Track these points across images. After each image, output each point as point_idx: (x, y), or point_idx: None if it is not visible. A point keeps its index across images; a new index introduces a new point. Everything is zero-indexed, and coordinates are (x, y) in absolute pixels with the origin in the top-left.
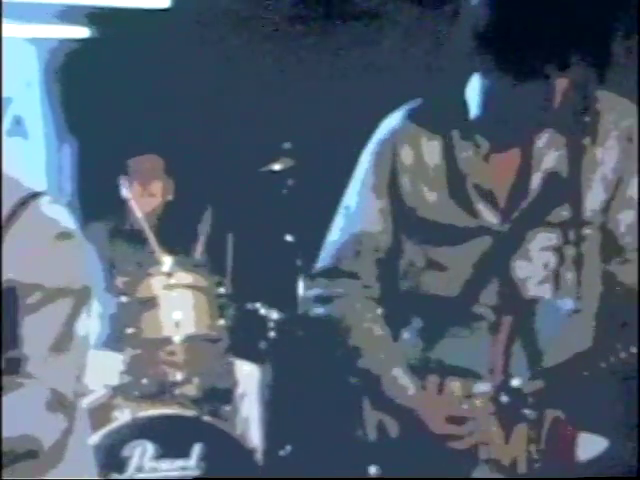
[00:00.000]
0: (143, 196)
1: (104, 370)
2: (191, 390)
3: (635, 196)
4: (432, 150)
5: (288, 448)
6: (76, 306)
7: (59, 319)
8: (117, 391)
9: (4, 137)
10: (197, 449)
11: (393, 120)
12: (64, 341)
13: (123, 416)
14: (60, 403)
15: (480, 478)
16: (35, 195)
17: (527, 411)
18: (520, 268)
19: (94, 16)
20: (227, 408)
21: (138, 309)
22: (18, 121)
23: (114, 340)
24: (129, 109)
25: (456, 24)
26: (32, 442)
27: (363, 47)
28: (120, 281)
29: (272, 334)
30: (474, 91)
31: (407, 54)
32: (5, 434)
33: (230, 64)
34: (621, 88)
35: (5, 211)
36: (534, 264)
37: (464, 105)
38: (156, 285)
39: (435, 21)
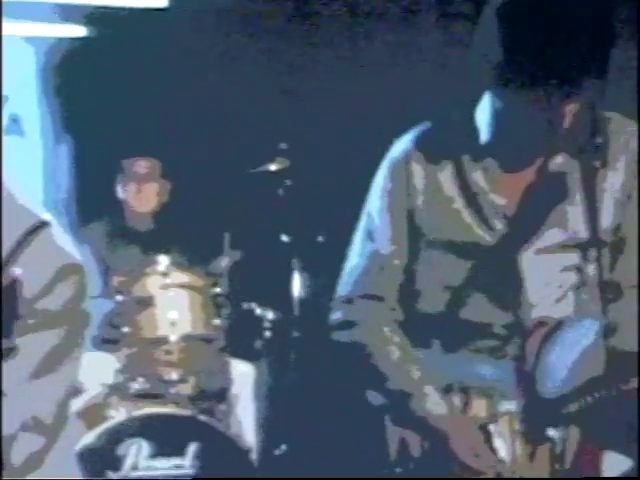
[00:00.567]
0: (139, 197)
1: (100, 369)
2: (186, 389)
3: None
4: (444, 171)
5: (283, 447)
6: (71, 333)
7: (50, 344)
8: (113, 390)
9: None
10: (192, 448)
11: (405, 142)
12: (51, 366)
13: (119, 415)
14: (38, 426)
15: (483, 478)
16: (45, 223)
17: (552, 430)
18: (541, 288)
19: (92, 15)
20: (222, 407)
21: (134, 308)
22: (15, 120)
23: (110, 339)
24: (126, 108)
25: (467, 47)
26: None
27: (361, 51)
28: (116, 280)
29: (267, 334)
30: (484, 114)
31: (413, 69)
32: None
33: (227, 64)
34: (620, 104)
35: (14, 238)
36: (554, 284)
37: (474, 129)
38: (152, 284)
39: (445, 43)
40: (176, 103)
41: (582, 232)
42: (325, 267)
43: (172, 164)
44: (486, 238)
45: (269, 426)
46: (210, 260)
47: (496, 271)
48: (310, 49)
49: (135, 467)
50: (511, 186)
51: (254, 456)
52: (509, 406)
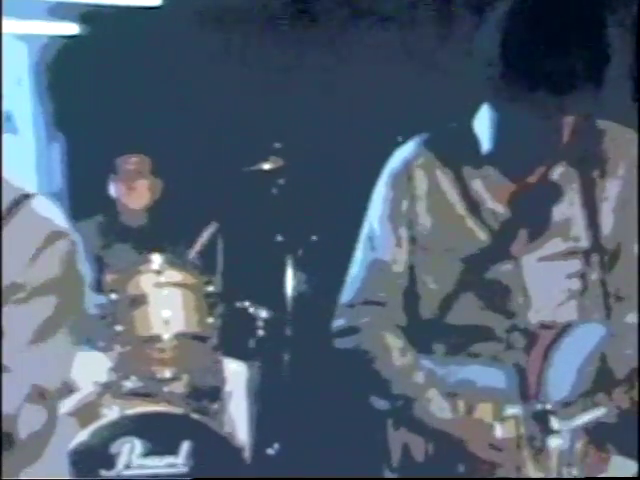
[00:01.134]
0: (131, 194)
1: (93, 367)
2: (180, 388)
3: None
4: (445, 179)
5: (276, 446)
6: (66, 302)
7: (43, 314)
8: (106, 388)
9: None
10: (185, 446)
11: (405, 151)
12: (48, 336)
13: (112, 413)
14: (41, 396)
15: (484, 478)
16: (28, 195)
17: (559, 435)
18: (544, 293)
19: (85, 13)
20: (215, 406)
21: (127, 306)
22: (8, 117)
23: (103, 337)
24: (119, 106)
25: (467, 57)
26: (7, 422)
27: (357, 52)
28: (110, 278)
29: (261, 332)
30: (483, 125)
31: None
32: None
33: (220, 63)
34: (618, 113)
35: None
36: (557, 290)
37: (474, 138)
38: (146, 283)
39: (444, 52)
40: (170, 101)
41: (583, 240)
42: (318, 266)
43: (166, 163)
44: (488, 244)
45: (262, 425)
46: (204, 258)
47: (498, 277)
48: (306, 49)
49: (128, 465)
50: (511, 195)
51: (247, 455)
52: (514, 410)
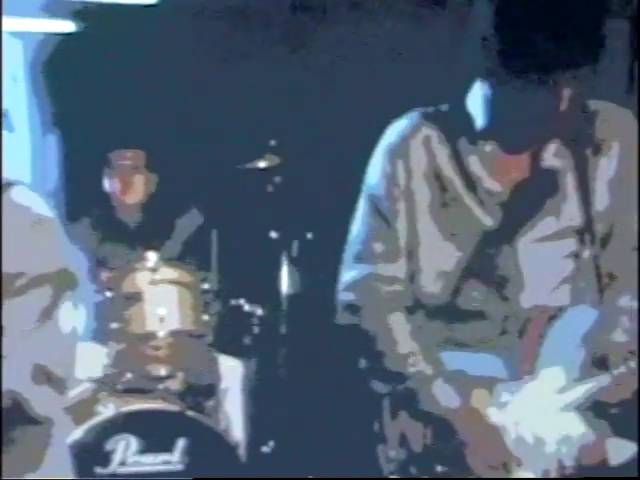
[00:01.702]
0: (126, 189)
1: (88, 364)
2: (175, 385)
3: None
4: (442, 155)
5: (271, 444)
6: (57, 290)
7: (40, 304)
8: (101, 385)
9: None
10: (181, 444)
11: (401, 126)
12: (46, 323)
13: (107, 410)
14: (47, 377)
15: (485, 478)
16: (9, 184)
17: (555, 418)
18: (539, 275)
19: (80, 11)
20: (211, 403)
21: (123, 304)
22: (4, 114)
23: (98, 334)
24: (114, 104)
25: (461, 33)
26: (19, 397)
27: (352, 47)
28: (105, 276)
29: (256, 330)
30: (477, 102)
31: (404, 58)
32: None
33: (216, 61)
34: (615, 94)
35: None
36: (552, 272)
37: (468, 115)
38: (141, 280)
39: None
40: (166, 99)
41: (577, 219)
42: (314, 264)
43: (162, 160)
44: (485, 222)
45: (257, 422)
46: (199, 255)
47: (494, 256)
48: (301, 45)
49: (123, 463)
50: (506, 173)
51: (242, 452)
52: (510, 396)
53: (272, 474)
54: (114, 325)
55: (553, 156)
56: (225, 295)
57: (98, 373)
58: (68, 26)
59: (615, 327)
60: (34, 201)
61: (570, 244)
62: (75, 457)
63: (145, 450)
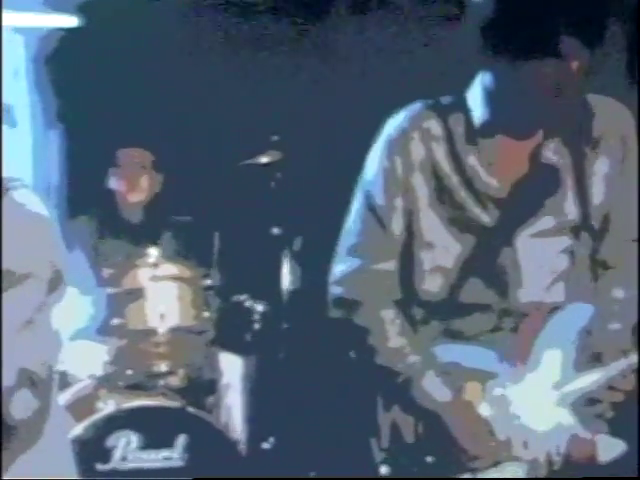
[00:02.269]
0: (130, 188)
1: (89, 361)
2: (176, 381)
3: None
4: (440, 150)
5: (271, 440)
6: (47, 289)
7: (28, 302)
8: (102, 382)
9: None
10: (181, 440)
11: (400, 120)
12: (33, 323)
13: (108, 407)
14: (30, 381)
15: (486, 478)
16: (11, 184)
17: (547, 414)
18: (535, 271)
19: (83, 5)
20: (211, 399)
21: (124, 300)
22: (6, 110)
23: (99, 331)
24: (117, 99)
25: (459, 24)
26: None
27: (354, 43)
28: (106, 272)
29: (257, 326)
30: (477, 96)
31: (404, 54)
32: None
33: (219, 56)
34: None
35: None
36: (547, 268)
37: (467, 110)
38: (142, 276)
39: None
40: (168, 94)
41: (573, 215)
42: (315, 260)
43: (164, 156)
44: (482, 218)
45: (258, 418)
46: (201, 252)
47: (491, 252)
48: (303, 41)
49: (124, 459)
50: (505, 169)
51: (243, 448)
52: (502, 391)
53: (272, 470)
54: (115, 321)
55: (552, 153)
56: (226, 291)
57: (99, 369)
58: (71, 21)
59: (611, 321)
60: (32, 201)
61: (566, 240)
62: (76, 453)
63: (146, 446)
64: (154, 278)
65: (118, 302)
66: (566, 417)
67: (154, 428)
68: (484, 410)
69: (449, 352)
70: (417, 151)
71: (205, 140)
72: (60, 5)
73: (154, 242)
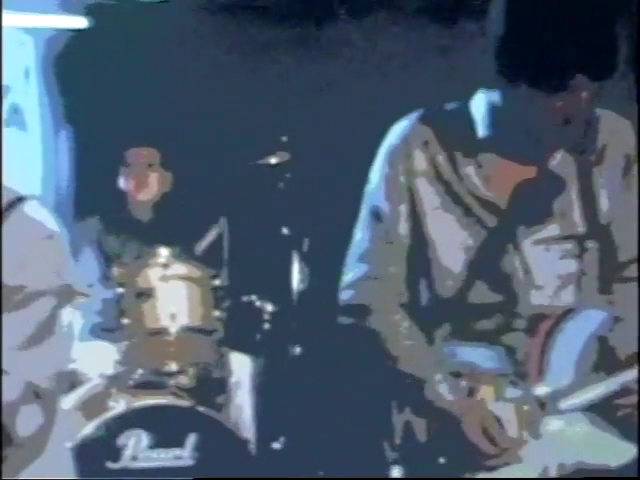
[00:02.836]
0: (139, 187)
1: (100, 360)
2: (186, 380)
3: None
4: (441, 158)
5: (282, 440)
6: (57, 305)
7: (38, 317)
8: (112, 381)
9: (2, 126)
10: (191, 439)
11: (402, 127)
12: (41, 337)
13: (118, 406)
14: (36, 395)
15: (490, 478)
16: (21, 199)
17: (559, 418)
18: (541, 277)
19: (93, 6)
20: (221, 399)
21: (134, 300)
22: (16, 110)
23: (110, 330)
24: (126, 100)
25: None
26: (5, 423)
27: (364, 45)
28: (117, 272)
29: (267, 326)
30: (481, 108)
31: (412, 60)
32: None
33: (228, 56)
34: (619, 104)
35: None
36: (553, 274)
37: (471, 121)
38: (152, 276)
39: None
40: (177, 95)
41: (579, 226)
42: (324, 260)
43: (173, 156)
44: (486, 221)
45: (267, 419)
46: (210, 252)
47: (498, 255)
48: (312, 43)
49: (134, 458)
50: (504, 183)
51: (253, 447)
52: (516, 394)
53: (282, 470)
54: (125, 321)
55: (558, 165)
56: (236, 291)
57: (109, 369)
58: (80, 22)
59: (622, 327)
60: (44, 216)
61: (571, 249)
62: (86, 452)
63: (156, 445)
64: (164, 278)
65: (128, 302)
66: (578, 422)
67: (164, 427)
68: (496, 411)
69: (460, 353)
70: (419, 158)
71: (215, 141)
72: (70, 6)
73: (164, 242)
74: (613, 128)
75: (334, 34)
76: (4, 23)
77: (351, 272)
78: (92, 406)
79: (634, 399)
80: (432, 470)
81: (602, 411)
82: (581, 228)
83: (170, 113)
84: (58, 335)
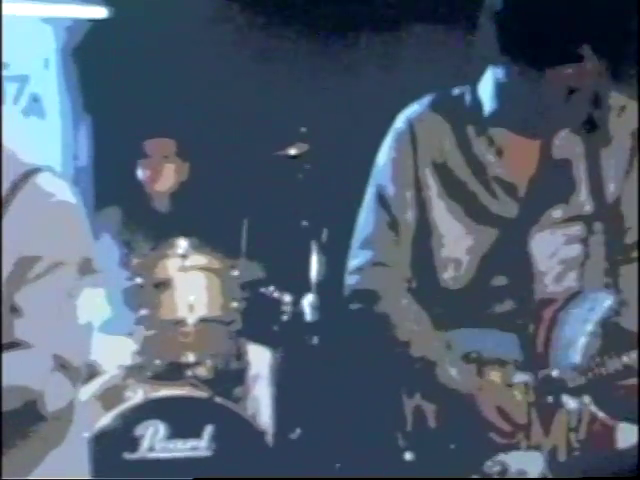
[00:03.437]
0: (157, 178)
1: (118, 351)
2: (203, 371)
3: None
4: (449, 141)
5: (298, 431)
6: (77, 277)
7: (59, 290)
8: (130, 372)
9: (21, 115)
10: (208, 430)
11: (409, 113)
12: (66, 310)
13: (136, 396)
14: (63, 367)
15: (485, 478)
16: (36, 170)
17: (566, 401)
18: (547, 261)
19: None
20: (239, 390)
21: (153, 291)
22: (35, 99)
23: (128, 321)
24: (145, 90)
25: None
26: (32, 394)
27: (381, 37)
28: (135, 262)
29: (285, 317)
30: (488, 87)
31: (422, 46)
32: (5, 382)
33: (248, 47)
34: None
35: (6, 185)
36: (559, 257)
37: (478, 101)
38: (171, 267)
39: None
40: (197, 85)
41: (586, 206)
42: (343, 252)
43: (192, 147)
44: (494, 209)
45: (285, 410)
46: (229, 243)
47: (504, 241)
48: (332, 34)
49: (152, 448)
50: (515, 159)
51: (270, 439)
52: (523, 377)
53: (299, 461)
54: (143, 312)
55: (564, 144)
56: (254, 282)
57: (127, 359)
58: (100, 12)
59: (627, 310)
60: (59, 187)
61: (577, 230)
62: (104, 442)
63: (173, 436)
64: (183, 269)
65: (147, 292)
66: (584, 404)
67: (182, 418)
68: (505, 395)
69: (468, 338)
70: (425, 144)
71: (234, 132)
72: None
73: (182, 232)
74: (622, 109)
75: (355, 25)
76: (25, 13)
77: (356, 259)
78: (110, 397)
79: (633, 380)
80: (443, 456)
81: (610, 392)
82: (588, 208)
83: (189, 104)
84: (80, 308)
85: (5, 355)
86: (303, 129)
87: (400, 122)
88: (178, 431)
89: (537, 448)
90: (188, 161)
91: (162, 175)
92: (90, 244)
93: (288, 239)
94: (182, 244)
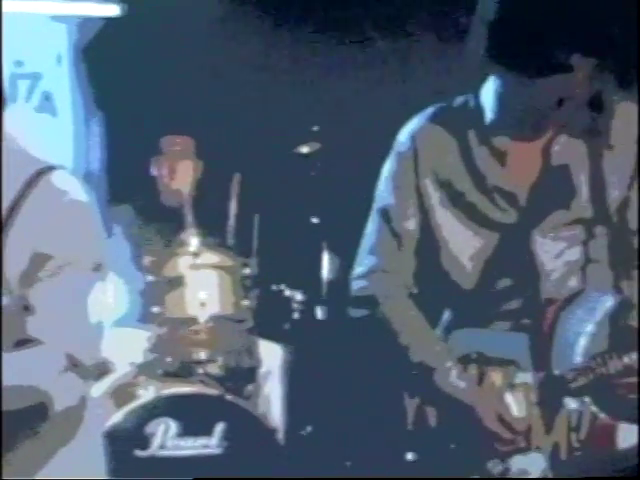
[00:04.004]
0: (172, 175)
1: (129, 348)
2: (215, 369)
3: None
4: (451, 152)
5: (309, 429)
6: (89, 275)
7: (71, 288)
8: (142, 369)
9: (33, 113)
10: (220, 428)
11: (411, 125)
12: (77, 308)
13: (147, 394)
14: (75, 366)
15: (486, 478)
16: (50, 168)
17: (567, 402)
18: (549, 263)
19: None
20: (250, 387)
21: (164, 288)
22: (47, 97)
23: (140, 318)
24: (158, 88)
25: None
26: (41, 395)
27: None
28: (147, 260)
29: (296, 315)
30: (489, 95)
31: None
32: (11, 383)
33: (261, 46)
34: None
35: (20, 183)
36: (561, 260)
37: (480, 110)
38: (183, 264)
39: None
40: (209, 83)
41: (588, 211)
42: (354, 250)
43: (205, 144)
44: (495, 217)
45: (296, 407)
46: (240, 240)
47: (507, 247)
48: (343, 36)
49: (163, 446)
50: (517, 166)
51: (280, 436)
52: (525, 378)
53: (310, 458)
54: (155, 309)
55: (563, 149)
56: (266, 280)
57: (139, 357)
58: (113, 9)
59: (629, 311)
60: (72, 185)
61: (578, 234)
62: (115, 440)
63: (184, 434)
64: (194, 266)
65: (158, 290)
66: (586, 404)
67: (193, 416)
68: (506, 397)
69: (470, 341)
70: (427, 156)
71: (247, 130)
72: None
73: (195, 230)
74: (627, 114)
75: (366, 24)
76: (37, 11)
77: (361, 266)
78: (121, 394)
79: (634, 380)
80: (444, 456)
81: (611, 392)
82: (589, 212)
83: (203, 102)
84: (92, 307)
85: (17, 352)
86: (315, 128)
87: (402, 137)
88: (189, 429)
89: (538, 448)
90: (202, 159)
91: (178, 173)
92: (102, 242)
93: (300, 237)
94: (194, 242)
